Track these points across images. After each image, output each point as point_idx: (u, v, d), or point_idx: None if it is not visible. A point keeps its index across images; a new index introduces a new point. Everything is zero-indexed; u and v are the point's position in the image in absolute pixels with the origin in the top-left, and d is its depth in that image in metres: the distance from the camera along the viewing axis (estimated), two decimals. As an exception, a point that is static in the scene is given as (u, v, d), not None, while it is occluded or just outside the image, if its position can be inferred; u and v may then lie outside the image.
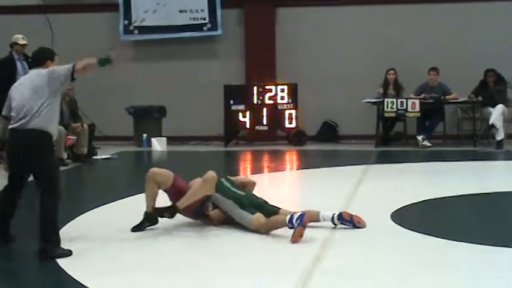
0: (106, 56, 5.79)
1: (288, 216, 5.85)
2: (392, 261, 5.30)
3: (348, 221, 6.21)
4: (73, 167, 11.05)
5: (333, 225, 6.22)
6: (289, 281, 4.76)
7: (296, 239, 5.70)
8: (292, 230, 5.76)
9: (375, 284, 4.75)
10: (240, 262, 5.29)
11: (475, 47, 13.75)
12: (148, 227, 6.31)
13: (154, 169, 6.47)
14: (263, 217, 6.08)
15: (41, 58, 5.88)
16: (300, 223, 5.72)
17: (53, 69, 5.71)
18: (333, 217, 6.24)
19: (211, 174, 6.33)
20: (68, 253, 5.50)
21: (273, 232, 6.03)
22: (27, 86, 5.76)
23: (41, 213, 5.54)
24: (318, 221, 6.26)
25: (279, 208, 6.34)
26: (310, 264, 5.12)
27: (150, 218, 6.33)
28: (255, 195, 6.51)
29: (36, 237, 5.60)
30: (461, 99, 13.28)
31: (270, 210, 6.28)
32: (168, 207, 6.29)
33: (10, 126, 5.72)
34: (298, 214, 5.81)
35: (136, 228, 6.27)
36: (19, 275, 5.15)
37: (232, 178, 6.81)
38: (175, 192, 6.38)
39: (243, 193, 6.45)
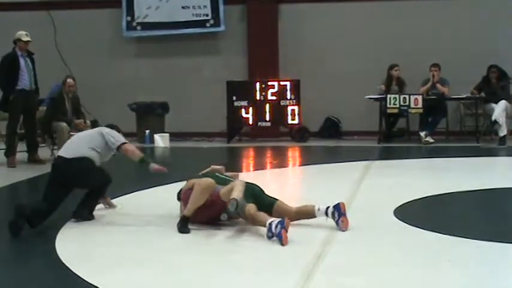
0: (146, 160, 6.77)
1: (268, 224, 5.79)
2: (395, 257, 5.30)
3: (339, 212, 6.07)
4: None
5: (325, 216, 6.12)
6: (291, 278, 4.76)
7: (285, 242, 5.63)
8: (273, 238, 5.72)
9: (378, 280, 4.75)
10: (242, 260, 5.29)
11: (478, 42, 13.73)
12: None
13: (212, 181, 6.30)
14: (254, 209, 6.03)
15: (112, 126, 7.10)
16: (282, 227, 5.67)
17: (112, 132, 6.87)
18: (327, 208, 6.15)
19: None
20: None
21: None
22: (87, 132, 7.18)
23: (94, 195, 6.69)
24: (313, 216, 6.22)
25: (276, 199, 6.35)
26: (312, 261, 5.12)
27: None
28: (255, 185, 6.51)
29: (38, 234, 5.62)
30: (464, 95, 13.27)
31: (265, 200, 6.31)
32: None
33: (60, 154, 6.76)
34: (277, 220, 5.76)
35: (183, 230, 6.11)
36: (22, 272, 5.16)
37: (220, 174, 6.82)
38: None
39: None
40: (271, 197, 6.42)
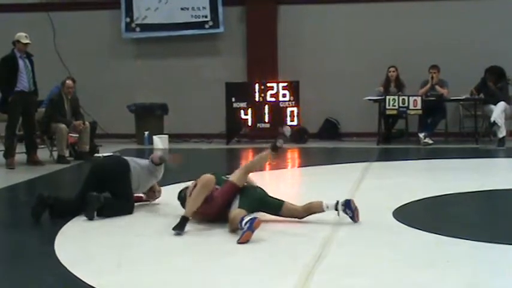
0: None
1: (240, 217, 5.84)
2: (394, 258, 5.30)
3: (351, 209, 6.28)
4: (75, 164, 11.07)
5: (336, 212, 6.27)
6: (291, 278, 4.76)
7: (242, 241, 5.67)
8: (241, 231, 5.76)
9: (376, 281, 4.76)
10: (241, 260, 5.29)
11: (476, 43, 13.74)
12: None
13: (211, 177, 6.33)
14: (240, 214, 6.00)
15: None
16: (249, 228, 5.69)
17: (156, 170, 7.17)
18: (337, 203, 6.28)
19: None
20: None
21: (274, 231, 6.05)
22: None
23: (113, 206, 6.76)
24: (322, 211, 6.33)
25: (283, 201, 6.40)
26: (311, 262, 5.12)
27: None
28: (258, 188, 6.52)
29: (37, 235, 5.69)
30: (463, 97, 13.28)
31: (271, 202, 6.37)
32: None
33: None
34: (248, 218, 5.77)
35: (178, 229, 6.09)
36: (21, 273, 5.16)
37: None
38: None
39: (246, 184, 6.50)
40: (276, 198, 6.45)
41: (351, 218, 6.29)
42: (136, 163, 7.04)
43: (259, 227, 5.75)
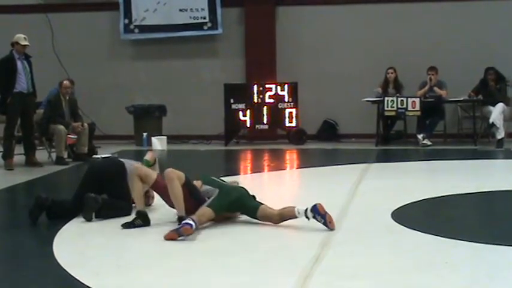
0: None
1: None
2: (392, 260, 5.30)
3: (321, 215, 6.08)
4: (73, 166, 11.06)
5: (307, 219, 6.14)
6: (289, 280, 4.76)
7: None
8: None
9: (375, 283, 4.76)
10: (240, 262, 5.29)
11: (475, 45, 13.74)
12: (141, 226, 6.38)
13: (136, 164, 6.73)
14: (206, 213, 6.17)
15: None
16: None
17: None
18: (306, 210, 6.13)
19: (168, 171, 6.37)
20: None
21: (273, 232, 6.04)
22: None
23: (111, 208, 6.78)
24: (294, 217, 6.24)
25: (261, 203, 6.40)
26: (309, 263, 5.12)
27: (143, 216, 6.43)
28: (239, 189, 6.56)
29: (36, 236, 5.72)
30: (461, 98, 13.28)
31: (249, 204, 6.40)
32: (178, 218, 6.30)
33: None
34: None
35: (126, 225, 6.35)
36: (20, 274, 5.16)
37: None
38: (163, 189, 6.48)
39: (228, 185, 6.62)
40: (255, 201, 6.46)
41: (324, 224, 6.09)
42: (131, 165, 7.02)
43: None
